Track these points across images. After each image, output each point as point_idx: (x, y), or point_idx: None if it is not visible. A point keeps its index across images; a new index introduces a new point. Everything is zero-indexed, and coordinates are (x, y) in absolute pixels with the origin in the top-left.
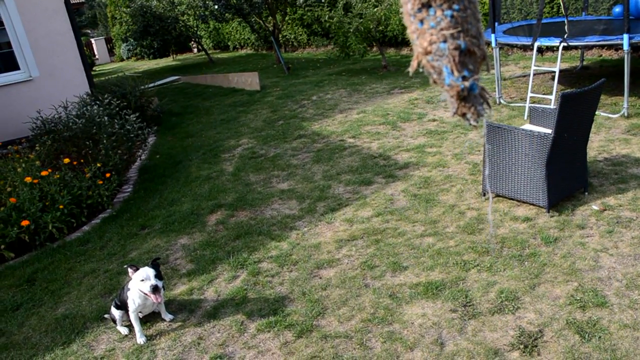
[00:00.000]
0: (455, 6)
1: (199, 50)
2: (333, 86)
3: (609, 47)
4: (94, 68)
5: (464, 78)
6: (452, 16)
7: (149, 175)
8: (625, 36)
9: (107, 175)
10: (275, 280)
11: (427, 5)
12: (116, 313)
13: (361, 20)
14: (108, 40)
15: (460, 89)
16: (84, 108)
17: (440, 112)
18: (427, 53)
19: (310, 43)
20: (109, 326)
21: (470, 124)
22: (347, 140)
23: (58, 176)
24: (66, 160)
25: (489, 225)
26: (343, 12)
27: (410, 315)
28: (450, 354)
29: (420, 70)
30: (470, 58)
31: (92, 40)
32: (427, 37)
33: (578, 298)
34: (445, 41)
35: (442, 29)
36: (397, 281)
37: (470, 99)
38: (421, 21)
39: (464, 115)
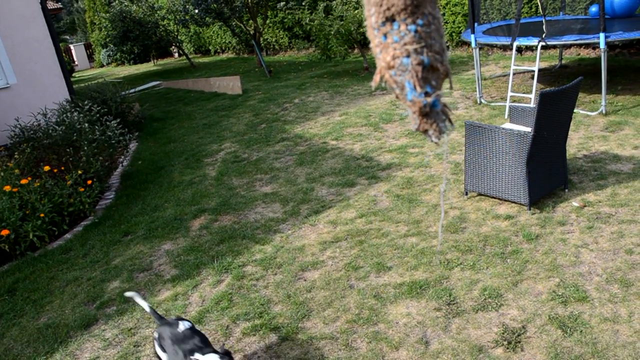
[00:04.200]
0: (419, 21)
1: (179, 55)
2: (315, 89)
3: (587, 45)
4: (73, 74)
5: (427, 94)
6: (415, 31)
7: (131, 181)
8: (602, 35)
9: (89, 182)
10: (260, 283)
11: (391, 19)
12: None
13: (342, 22)
14: (87, 46)
15: (422, 104)
16: (64, 115)
17: None
18: (390, 67)
19: (291, 46)
20: (93, 334)
21: (432, 141)
22: (330, 143)
23: (38, 184)
24: (46, 168)
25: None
26: (324, 15)
27: (394, 315)
28: (435, 352)
29: (383, 85)
30: (433, 74)
31: (71, 46)
32: (391, 51)
33: (560, 293)
34: (408, 56)
35: (405, 44)
36: (382, 281)
37: (432, 115)
38: (385, 35)
39: (425, 131)
